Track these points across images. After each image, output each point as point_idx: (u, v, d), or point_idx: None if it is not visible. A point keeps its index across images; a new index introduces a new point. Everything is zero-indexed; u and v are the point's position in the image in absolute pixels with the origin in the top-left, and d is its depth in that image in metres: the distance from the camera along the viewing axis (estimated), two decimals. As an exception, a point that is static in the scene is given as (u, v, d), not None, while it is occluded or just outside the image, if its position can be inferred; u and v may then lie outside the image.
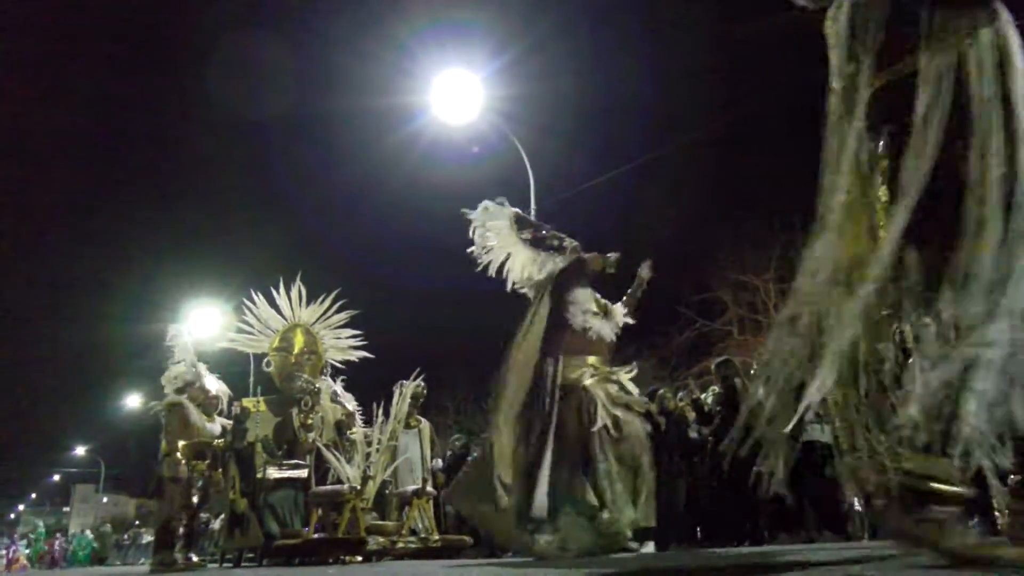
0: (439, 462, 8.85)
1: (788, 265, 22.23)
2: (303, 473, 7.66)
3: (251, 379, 13.57)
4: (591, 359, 4.98)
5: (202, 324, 20.30)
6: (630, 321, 5.38)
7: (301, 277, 8.87)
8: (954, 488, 1.80)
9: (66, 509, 53.56)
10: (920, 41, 1.89)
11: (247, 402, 8.40)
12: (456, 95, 13.32)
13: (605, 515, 4.55)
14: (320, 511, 7.23)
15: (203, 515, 11.10)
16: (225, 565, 8.79)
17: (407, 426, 8.08)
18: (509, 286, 5.33)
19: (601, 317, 5.13)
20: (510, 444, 4.65)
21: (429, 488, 7.82)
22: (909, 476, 1.79)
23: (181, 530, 8.13)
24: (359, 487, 6.90)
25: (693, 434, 7.84)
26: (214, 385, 8.86)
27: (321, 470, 7.57)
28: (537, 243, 5.32)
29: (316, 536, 6.97)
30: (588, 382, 4.83)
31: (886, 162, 2.03)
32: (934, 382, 1.72)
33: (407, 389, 7.79)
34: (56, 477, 52.81)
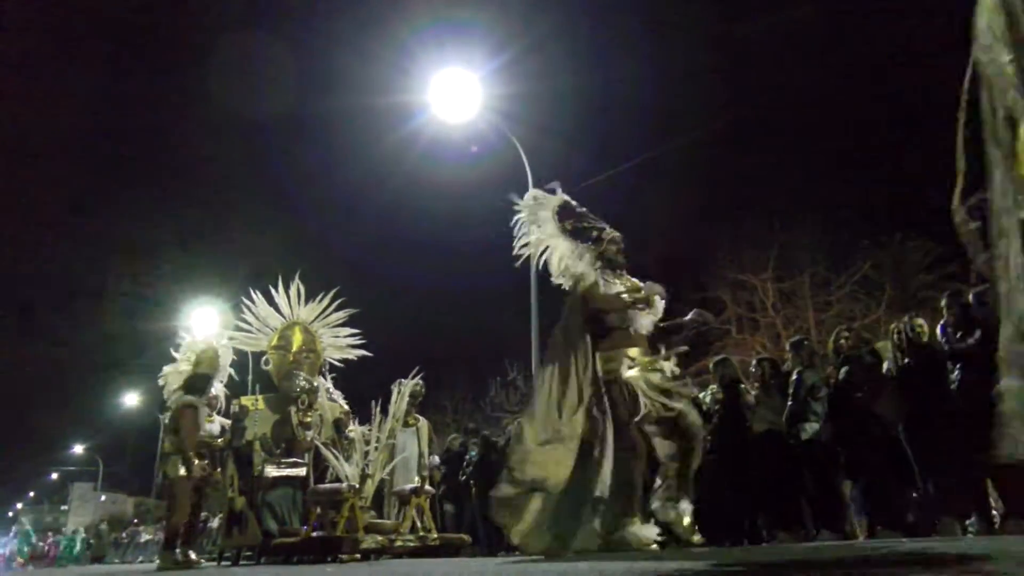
0: (436, 459, 8.85)
1: (786, 264, 22.29)
2: (301, 471, 7.66)
3: (249, 377, 13.55)
4: (631, 351, 4.90)
5: (201, 322, 20.30)
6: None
7: (300, 275, 8.90)
8: None
9: (64, 507, 53.52)
10: None
11: (245, 400, 8.39)
12: (455, 94, 13.33)
13: (655, 504, 4.61)
14: (319, 509, 7.23)
15: (202, 513, 11.10)
16: (223, 564, 8.78)
17: (405, 424, 8.08)
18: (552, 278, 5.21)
19: (639, 308, 4.98)
20: (572, 445, 4.63)
21: (427, 487, 7.81)
22: None
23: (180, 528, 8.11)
24: (358, 485, 6.89)
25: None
26: (216, 385, 8.87)
27: (320, 468, 7.57)
28: (577, 234, 5.20)
29: (315, 534, 6.97)
30: (628, 374, 4.77)
31: None
32: None
33: (405, 388, 7.79)
34: (54, 475, 52.86)
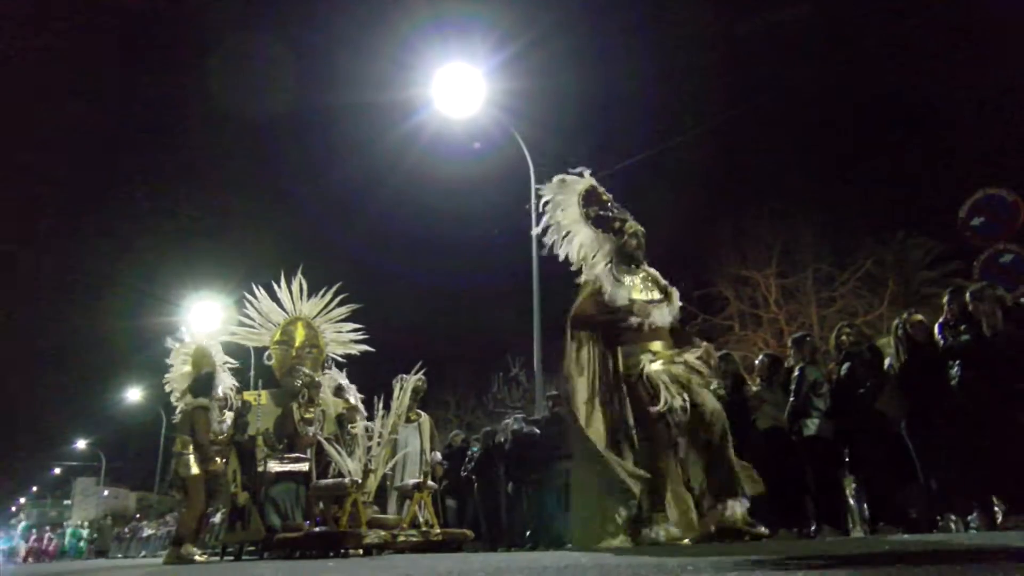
0: (438, 455, 8.87)
1: (789, 260, 22.28)
2: (304, 467, 7.67)
3: (251, 372, 13.58)
4: (652, 345, 4.87)
5: (203, 318, 20.33)
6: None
7: (302, 271, 8.88)
8: None
9: (67, 502, 53.68)
10: None
11: (248, 395, 8.42)
12: (458, 90, 13.31)
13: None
14: (321, 504, 7.24)
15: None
16: (226, 559, 8.80)
17: (407, 420, 8.09)
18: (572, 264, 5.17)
19: (656, 303, 4.96)
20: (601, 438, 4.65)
21: (430, 482, 7.82)
22: None
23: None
24: (360, 480, 6.90)
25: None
26: (228, 381, 8.93)
27: (322, 463, 7.58)
28: (599, 222, 5.14)
29: (317, 530, 6.98)
30: (650, 368, 4.74)
31: None
32: None
33: (408, 383, 7.79)
34: (57, 470, 52.97)
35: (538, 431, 9.10)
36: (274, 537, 7.19)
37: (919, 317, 6.22)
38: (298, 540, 6.99)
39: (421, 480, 7.70)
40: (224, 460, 8.17)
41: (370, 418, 7.88)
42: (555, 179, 5.32)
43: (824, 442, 6.37)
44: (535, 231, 5.52)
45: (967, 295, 5.84)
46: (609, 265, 5.05)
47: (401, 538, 6.97)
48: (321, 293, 8.93)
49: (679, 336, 5.13)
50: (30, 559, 27.98)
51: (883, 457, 6.08)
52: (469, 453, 10.33)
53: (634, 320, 4.87)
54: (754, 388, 7.14)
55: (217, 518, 10.73)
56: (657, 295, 5.06)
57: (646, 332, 4.88)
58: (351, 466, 6.98)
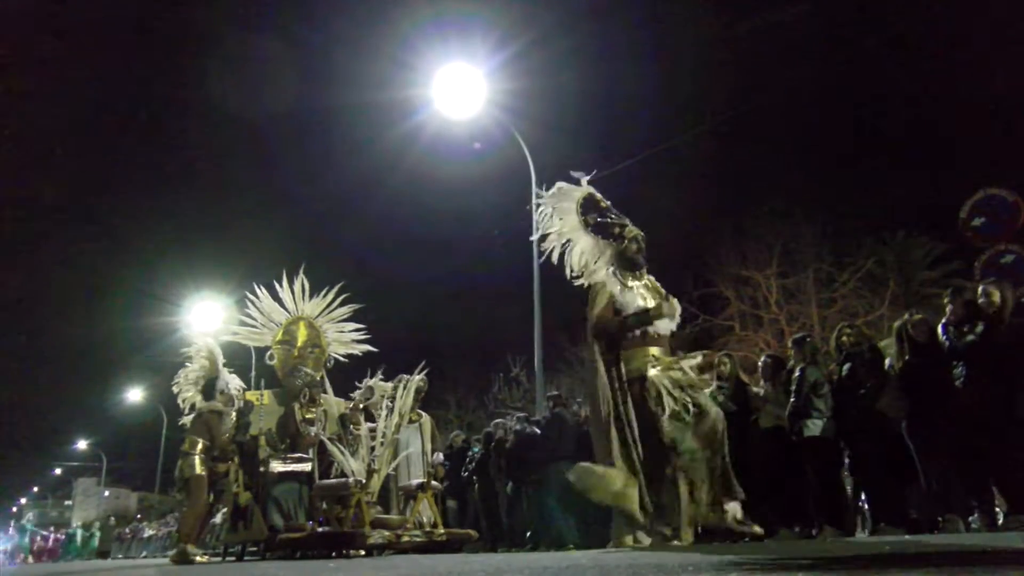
0: (440, 456, 8.87)
1: (790, 260, 22.27)
2: (307, 467, 7.68)
3: (252, 373, 13.60)
4: (652, 350, 4.91)
5: (204, 318, 20.35)
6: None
7: (304, 270, 8.89)
8: None
9: (68, 503, 53.71)
10: None
11: (250, 395, 8.44)
12: (458, 90, 13.31)
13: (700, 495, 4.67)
14: (324, 505, 7.25)
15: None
16: (228, 559, 8.82)
17: (408, 420, 8.10)
18: (569, 273, 5.17)
19: (656, 311, 4.96)
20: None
21: (434, 483, 7.83)
22: None
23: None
24: (363, 481, 6.91)
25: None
26: (235, 382, 8.97)
27: (325, 463, 7.59)
28: (598, 229, 5.15)
29: (320, 530, 6.99)
30: (651, 372, 4.80)
31: None
32: None
33: (411, 383, 7.80)
34: (58, 471, 52.95)
35: (539, 431, 9.11)
36: (276, 537, 7.21)
37: (920, 317, 6.23)
38: (301, 540, 7.00)
39: (425, 480, 7.71)
40: (231, 461, 8.21)
41: (370, 418, 7.91)
42: (554, 187, 5.32)
43: (825, 442, 6.38)
44: (535, 236, 5.52)
45: (979, 288, 5.87)
46: (612, 270, 5.07)
47: (405, 538, 6.99)
48: (323, 292, 8.94)
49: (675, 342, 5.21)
50: (30, 557, 28.04)
51: (884, 457, 6.09)
52: (470, 454, 10.34)
53: (652, 329, 4.92)
54: (754, 389, 7.16)
55: (218, 518, 10.75)
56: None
57: (648, 338, 4.94)
58: (354, 466, 6.99)
